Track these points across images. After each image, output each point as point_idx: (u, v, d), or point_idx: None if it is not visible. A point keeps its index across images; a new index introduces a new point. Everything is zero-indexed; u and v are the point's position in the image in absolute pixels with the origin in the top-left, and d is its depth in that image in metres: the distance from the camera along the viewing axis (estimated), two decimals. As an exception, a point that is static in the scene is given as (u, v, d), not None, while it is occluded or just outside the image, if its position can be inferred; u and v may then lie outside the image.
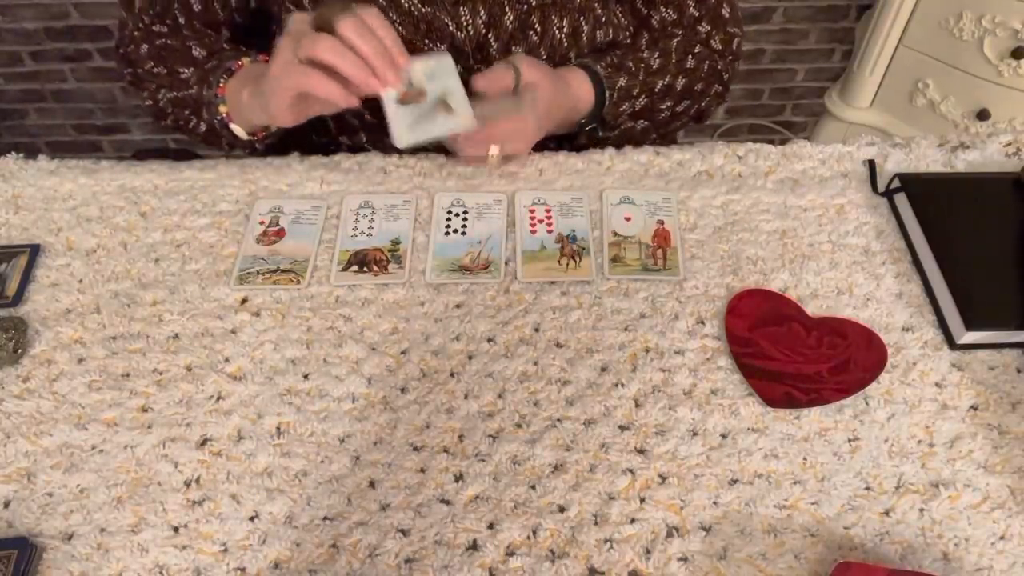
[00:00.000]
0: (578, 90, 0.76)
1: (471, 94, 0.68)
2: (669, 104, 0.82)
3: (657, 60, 0.80)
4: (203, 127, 0.75)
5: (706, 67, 0.83)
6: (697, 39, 0.83)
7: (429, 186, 0.73)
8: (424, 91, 0.65)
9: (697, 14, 0.83)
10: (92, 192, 0.72)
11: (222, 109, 0.71)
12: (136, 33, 0.79)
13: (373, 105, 0.80)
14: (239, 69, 0.71)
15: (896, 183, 0.72)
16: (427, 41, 0.75)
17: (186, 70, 0.75)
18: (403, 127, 0.63)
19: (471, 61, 0.77)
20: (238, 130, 0.73)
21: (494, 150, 0.72)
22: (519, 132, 0.72)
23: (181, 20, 0.78)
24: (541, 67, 0.73)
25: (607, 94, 0.77)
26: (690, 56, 0.81)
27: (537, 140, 0.75)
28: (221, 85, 0.71)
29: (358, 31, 0.59)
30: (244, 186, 0.73)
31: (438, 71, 0.66)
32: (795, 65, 1.93)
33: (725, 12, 0.84)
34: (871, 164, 0.75)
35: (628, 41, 0.84)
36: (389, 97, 0.63)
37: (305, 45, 0.59)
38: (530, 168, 0.75)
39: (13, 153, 0.76)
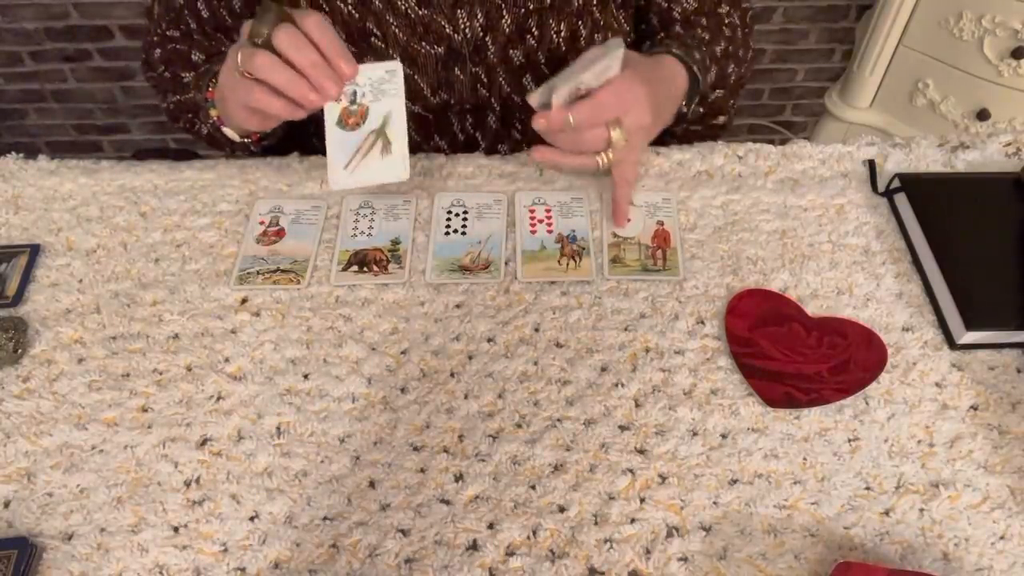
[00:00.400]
0: (663, 62, 0.69)
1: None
2: (732, 68, 0.80)
3: (704, 33, 0.77)
4: (205, 130, 0.75)
5: (739, 34, 0.82)
6: (723, 19, 0.81)
7: (429, 186, 0.73)
8: (367, 109, 0.61)
9: None
10: (92, 192, 0.72)
11: (212, 113, 0.70)
12: (154, 39, 0.80)
13: None
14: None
15: (896, 183, 0.72)
16: (424, 44, 0.75)
17: (187, 74, 0.75)
18: (340, 165, 0.61)
19: (468, 64, 0.77)
20: (231, 133, 0.72)
21: (616, 134, 0.60)
22: (628, 92, 0.61)
23: (193, 26, 0.79)
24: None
25: (694, 68, 0.71)
26: (724, 27, 0.80)
27: (656, 117, 0.64)
28: (210, 89, 0.69)
29: (292, 43, 0.57)
30: (244, 186, 0.73)
31: (388, 85, 0.62)
32: (795, 65, 1.93)
33: None
34: (871, 164, 0.75)
35: (659, 37, 0.82)
36: (330, 116, 0.61)
37: (242, 61, 0.58)
38: (530, 168, 0.75)
39: (13, 153, 0.76)
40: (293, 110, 0.59)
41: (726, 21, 0.81)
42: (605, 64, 0.60)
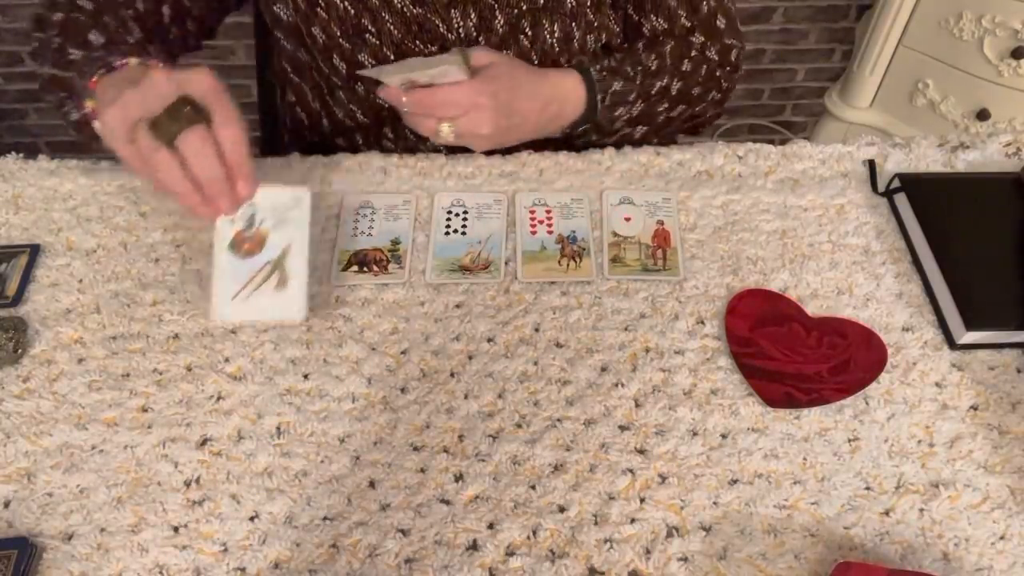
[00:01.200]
0: (562, 85, 0.74)
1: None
2: (665, 107, 0.81)
3: (655, 62, 0.78)
4: (74, 115, 0.68)
5: (703, 71, 0.81)
6: (692, 48, 0.81)
7: (429, 186, 0.73)
8: (264, 239, 0.56)
9: (689, 24, 0.81)
10: (92, 192, 0.72)
11: (88, 104, 0.63)
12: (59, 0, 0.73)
13: (367, 105, 0.80)
14: (122, 68, 0.63)
15: (896, 183, 0.72)
16: (418, 42, 0.75)
17: (75, 52, 0.68)
18: (224, 294, 0.55)
19: None
20: (99, 129, 0.64)
21: (444, 126, 0.67)
22: (468, 100, 0.67)
23: (125, 13, 0.72)
24: (502, 54, 0.71)
25: (599, 97, 0.75)
26: (685, 60, 0.80)
27: (508, 124, 0.70)
28: (94, 79, 0.62)
29: (199, 150, 0.54)
30: (244, 186, 0.73)
31: (293, 213, 0.57)
32: (795, 65, 1.94)
33: (720, 23, 0.82)
34: (871, 164, 0.75)
35: (624, 46, 0.83)
36: (221, 238, 0.55)
37: (144, 152, 0.55)
38: (530, 168, 0.75)
39: (13, 153, 0.76)
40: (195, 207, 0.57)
41: (692, 54, 0.80)
42: (443, 69, 0.65)
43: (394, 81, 0.66)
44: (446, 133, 0.68)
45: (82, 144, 0.69)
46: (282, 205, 0.57)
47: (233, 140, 0.56)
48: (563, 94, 0.74)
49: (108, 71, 0.62)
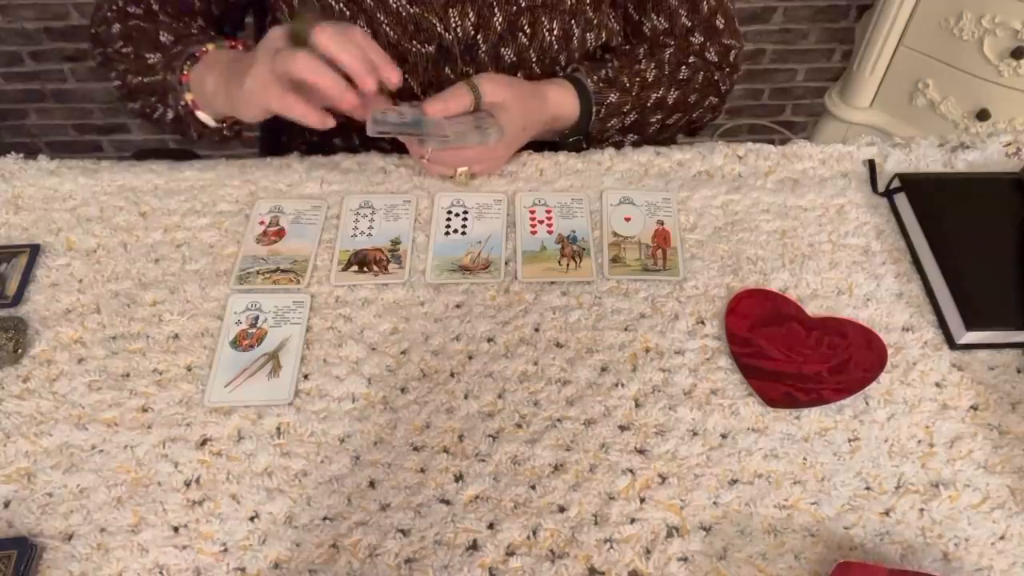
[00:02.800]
0: (558, 106, 0.75)
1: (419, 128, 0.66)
2: (659, 117, 0.81)
3: (652, 72, 0.78)
4: (170, 114, 0.73)
5: (700, 78, 0.81)
6: (690, 50, 0.81)
7: (429, 186, 0.73)
8: (265, 333, 0.61)
9: (689, 24, 0.81)
10: (92, 192, 0.72)
11: (187, 96, 0.69)
12: (109, 14, 0.77)
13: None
14: (203, 55, 0.69)
15: (896, 183, 0.72)
16: (415, 42, 0.75)
17: (152, 55, 0.72)
18: (220, 382, 0.59)
19: (459, 63, 0.77)
20: (205, 118, 0.71)
21: (462, 170, 0.71)
22: (487, 157, 0.71)
23: (155, 7, 0.77)
24: (508, 84, 0.70)
25: (594, 110, 0.76)
26: (683, 67, 0.80)
27: (509, 157, 0.74)
28: (185, 72, 0.68)
29: (336, 40, 0.58)
30: (244, 186, 0.73)
31: (293, 314, 0.63)
32: (795, 65, 1.94)
33: (719, 23, 0.82)
34: (871, 164, 0.75)
35: (626, 47, 0.83)
36: (224, 336, 0.60)
37: (280, 61, 0.58)
38: (530, 168, 0.75)
39: (13, 153, 0.76)
40: (323, 119, 0.60)
41: (690, 60, 0.81)
42: (478, 139, 0.68)
43: (431, 146, 0.69)
44: (463, 180, 0.72)
45: (183, 139, 0.74)
46: (283, 307, 0.63)
47: (363, 35, 0.60)
48: (560, 113, 0.76)
49: (194, 62, 0.68)
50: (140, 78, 0.73)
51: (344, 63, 0.58)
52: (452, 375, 0.60)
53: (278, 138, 0.96)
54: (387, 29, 0.74)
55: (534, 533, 0.52)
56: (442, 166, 0.71)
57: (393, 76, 0.60)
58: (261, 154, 0.99)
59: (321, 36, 0.58)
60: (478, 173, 0.73)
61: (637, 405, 0.58)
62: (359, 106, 0.60)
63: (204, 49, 0.69)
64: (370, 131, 0.62)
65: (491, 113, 0.69)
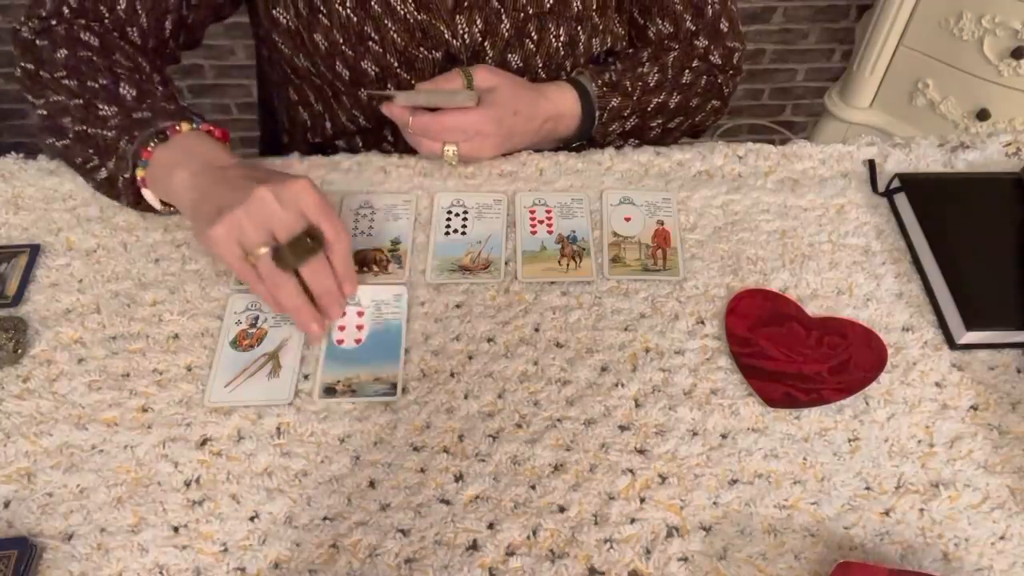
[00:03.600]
0: (557, 104, 0.75)
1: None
2: (660, 122, 0.81)
3: (655, 76, 0.78)
4: (103, 174, 0.65)
5: (703, 82, 0.82)
6: (695, 53, 0.81)
7: (429, 186, 0.73)
8: (265, 332, 0.61)
9: (694, 28, 0.81)
10: (92, 192, 0.72)
11: (139, 173, 0.63)
12: (59, 28, 0.68)
13: (369, 111, 0.80)
14: (174, 135, 0.62)
15: (896, 183, 0.72)
16: (422, 49, 0.75)
17: (106, 108, 0.64)
18: (221, 382, 0.58)
19: None
20: (151, 198, 0.65)
21: (448, 149, 0.70)
22: (474, 128, 0.70)
23: (115, 35, 0.70)
24: (501, 73, 0.71)
25: (597, 114, 0.76)
26: (687, 71, 0.80)
27: (507, 145, 0.73)
28: (149, 149, 0.62)
29: (317, 274, 0.58)
30: (244, 186, 0.73)
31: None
32: (795, 65, 1.94)
33: (723, 26, 0.82)
34: (871, 164, 0.75)
35: (629, 51, 0.83)
36: (224, 336, 0.60)
37: (267, 278, 0.57)
38: (530, 168, 0.75)
39: (13, 153, 0.75)
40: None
41: (694, 63, 0.81)
42: (447, 98, 0.69)
43: (400, 100, 0.70)
44: (449, 157, 0.71)
45: (120, 201, 0.67)
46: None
47: (344, 254, 0.60)
48: (559, 112, 0.76)
49: (162, 139, 0.62)
50: (84, 127, 0.64)
51: (313, 292, 0.59)
52: (452, 375, 0.60)
53: (279, 138, 0.96)
54: (394, 35, 0.73)
55: (534, 533, 0.52)
56: (428, 140, 0.70)
57: (349, 290, 0.61)
58: (261, 154, 0.99)
59: (306, 273, 0.58)
60: (467, 155, 0.72)
61: (637, 405, 0.58)
62: (326, 322, 0.61)
63: (176, 128, 0.62)
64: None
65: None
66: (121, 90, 0.65)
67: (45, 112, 0.67)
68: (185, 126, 0.63)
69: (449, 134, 0.70)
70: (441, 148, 0.71)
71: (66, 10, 0.69)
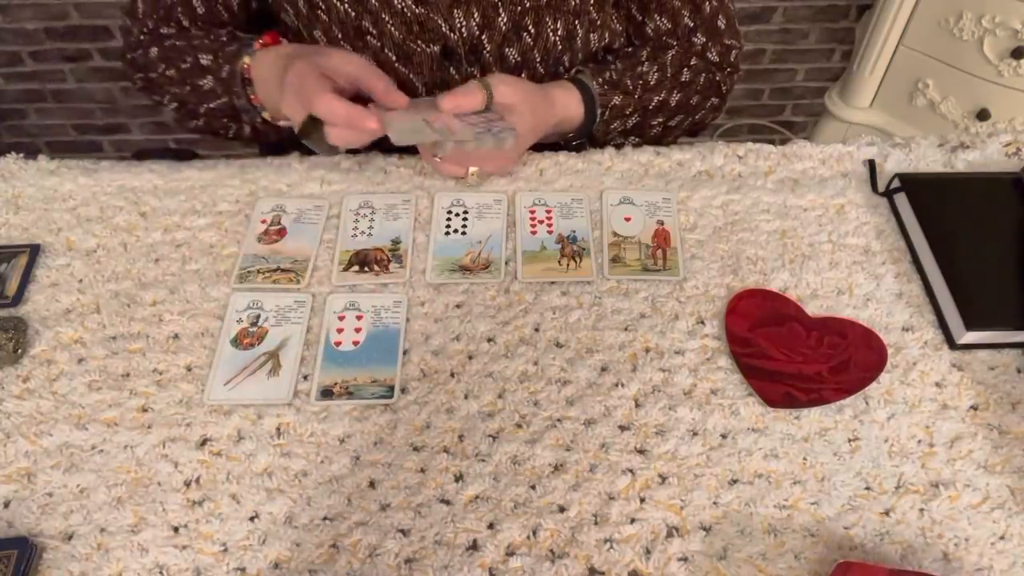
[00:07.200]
0: (565, 108, 0.75)
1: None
2: (661, 120, 0.81)
3: (655, 74, 0.79)
4: (247, 129, 0.77)
5: (702, 80, 0.82)
6: (693, 51, 0.82)
7: (429, 186, 0.73)
8: (265, 332, 0.62)
9: (692, 24, 0.81)
10: (92, 192, 0.72)
11: (266, 115, 0.74)
12: (143, 37, 0.78)
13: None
14: (248, 71, 0.72)
15: (896, 183, 0.72)
16: (420, 42, 0.75)
17: (204, 80, 0.74)
18: (220, 380, 0.59)
19: (464, 63, 0.77)
20: (286, 123, 0.73)
21: (473, 170, 0.72)
22: (498, 159, 0.72)
23: (185, 23, 0.78)
24: (519, 86, 0.70)
25: (599, 112, 0.76)
26: (685, 69, 0.80)
27: (518, 159, 0.75)
28: (252, 96, 0.73)
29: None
30: (244, 186, 0.73)
31: (294, 313, 0.63)
32: (795, 65, 1.93)
33: (721, 23, 0.82)
34: (871, 164, 0.75)
35: (628, 49, 0.83)
36: (225, 334, 0.61)
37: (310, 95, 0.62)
38: (530, 168, 0.75)
39: (13, 153, 0.76)
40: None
41: (692, 62, 0.81)
42: (495, 143, 0.66)
43: (449, 152, 0.69)
44: (475, 180, 0.73)
45: (273, 139, 0.79)
46: (285, 306, 0.63)
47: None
48: (566, 116, 0.76)
49: (248, 83, 0.72)
50: (206, 104, 0.76)
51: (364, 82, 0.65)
52: (452, 375, 0.60)
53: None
54: (392, 29, 0.74)
55: (534, 533, 0.52)
56: (454, 166, 0.72)
57: (399, 100, 0.66)
58: (261, 154, 0.99)
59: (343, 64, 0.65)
60: (489, 173, 0.74)
61: (637, 405, 0.58)
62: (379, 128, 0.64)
63: (245, 65, 0.72)
64: (395, 140, 0.63)
65: (501, 116, 0.68)
66: (202, 61, 0.75)
67: (175, 104, 0.79)
68: (247, 60, 0.72)
69: (478, 163, 0.72)
70: (466, 171, 0.72)
71: (149, 23, 0.79)
